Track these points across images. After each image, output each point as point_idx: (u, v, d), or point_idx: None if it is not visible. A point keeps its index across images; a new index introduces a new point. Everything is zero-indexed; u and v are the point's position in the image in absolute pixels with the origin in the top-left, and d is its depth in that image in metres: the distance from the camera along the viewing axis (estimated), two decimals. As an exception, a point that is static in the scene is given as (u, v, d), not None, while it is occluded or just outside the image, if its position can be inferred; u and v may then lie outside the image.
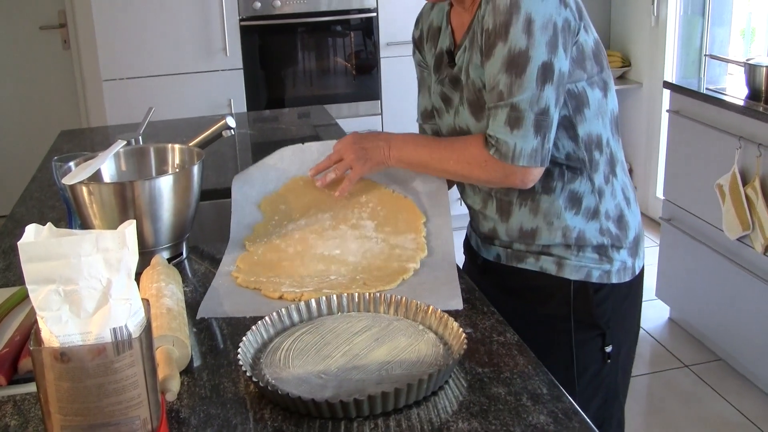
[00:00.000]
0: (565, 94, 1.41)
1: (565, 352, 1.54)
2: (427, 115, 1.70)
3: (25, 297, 1.42)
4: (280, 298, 1.40)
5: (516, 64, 1.33)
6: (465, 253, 1.77)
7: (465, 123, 1.51)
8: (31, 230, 0.90)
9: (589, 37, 1.43)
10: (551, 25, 1.33)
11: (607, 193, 1.51)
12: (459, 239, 1.61)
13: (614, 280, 1.53)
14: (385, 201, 1.64)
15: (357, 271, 1.49)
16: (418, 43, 1.69)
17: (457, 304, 1.36)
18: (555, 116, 1.37)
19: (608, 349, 1.55)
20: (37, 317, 0.88)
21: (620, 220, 1.53)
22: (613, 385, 1.60)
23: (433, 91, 1.61)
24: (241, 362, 1.12)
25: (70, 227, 1.68)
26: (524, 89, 1.33)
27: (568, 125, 1.44)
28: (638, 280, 1.59)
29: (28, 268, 0.86)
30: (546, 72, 1.33)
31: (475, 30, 1.43)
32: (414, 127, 1.77)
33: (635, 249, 1.56)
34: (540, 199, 1.49)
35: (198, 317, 1.36)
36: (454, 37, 1.54)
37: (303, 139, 1.86)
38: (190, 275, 1.55)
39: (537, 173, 1.40)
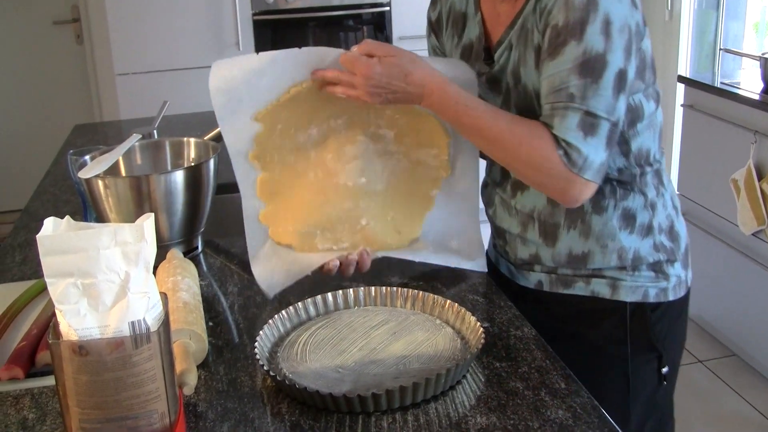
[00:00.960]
0: None
1: (620, 378, 1.42)
2: None
3: (41, 291, 1.43)
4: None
5: (592, 68, 1.20)
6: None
7: None
8: (50, 223, 0.90)
9: (650, 43, 1.32)
10: (627, 29, 1.21)
11: (659, 205, 1.40)
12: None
13: (671, 297, 1.41)
14: (404, 107, 1.38)
15: (386, 206, 1.44)
16: (435, 26, 1.50)
17: (483, 266, 1.47)
18: (620, 130, 1.27)
19: (664, 370, 1.44)
20: (56, 310, 0.88)
21: (671, 232, 1.41)
22: (668, 405, 1.50)
23: None
24: (258, 356, 1.12)
25: (85, 221, 1.68)
26: (601, 96, 1.20)
27: (620, 140, 1.33)
28: (689, 292, 1.47)
29: (46, 261, 0.86)
30: (621, 80, 1.22)
31: (528, 27, 1.29)
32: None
33: (686, 260, 1.45)
34: (591, 220, 1.36)
35: (272, 298, 1.37)
36: (486, 29, 1.38)
37: None
38: (205, 269, 1.55)
39: (592, 191, 1.26)
